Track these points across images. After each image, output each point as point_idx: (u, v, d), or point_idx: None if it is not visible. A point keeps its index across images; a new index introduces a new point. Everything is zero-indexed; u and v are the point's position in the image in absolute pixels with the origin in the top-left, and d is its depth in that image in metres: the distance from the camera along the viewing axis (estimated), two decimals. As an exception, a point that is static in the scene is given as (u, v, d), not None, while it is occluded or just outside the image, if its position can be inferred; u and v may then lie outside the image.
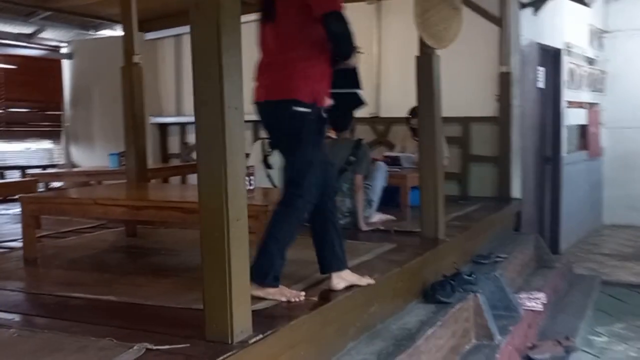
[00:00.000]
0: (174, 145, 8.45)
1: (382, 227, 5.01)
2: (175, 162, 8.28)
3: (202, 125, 2.29)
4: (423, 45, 4.46)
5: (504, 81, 6.58)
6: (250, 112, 7.88)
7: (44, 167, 8.24)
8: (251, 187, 3.73)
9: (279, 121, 2.96)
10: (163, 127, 8.45)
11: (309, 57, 2.91)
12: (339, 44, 2.89)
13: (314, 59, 2.92)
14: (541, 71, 7.42)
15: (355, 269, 3.40)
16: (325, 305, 2.91)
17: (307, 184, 2.95)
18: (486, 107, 6.65)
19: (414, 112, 5.67)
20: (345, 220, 5.08)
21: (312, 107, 2.94)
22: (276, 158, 5.26)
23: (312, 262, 3.31)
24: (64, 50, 8.35)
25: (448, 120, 6.40)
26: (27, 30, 8.01)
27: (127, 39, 5.41)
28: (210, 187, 2.27)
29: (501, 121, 6.60)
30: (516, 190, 6.62)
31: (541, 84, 7.47)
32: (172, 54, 8.35)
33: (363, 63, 7.19)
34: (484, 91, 6.64)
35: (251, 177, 3.76)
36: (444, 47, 4.49)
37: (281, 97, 2.90)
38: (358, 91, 3.11)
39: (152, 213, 3.54)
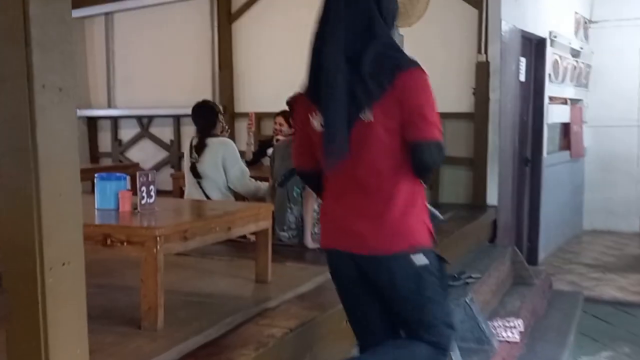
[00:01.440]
0: (105, 143, 7.55)
1: (332, 244, 4.22)
2: (107, 162, 7.40)
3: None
4: (381, 21, 3.67)
5: (482, 72, 5.89)
6: (172, 106, 6.95)
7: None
8: (151, 201, 2.90)
9: (394, 281, 2.09)
10: (92, 122, 7.55)
11: (415, 181, 2.10)
12: (425, 174, 2.10)
13: (418, 182, 2.12)
14: (523, 62, 6.71)
15: (291, 304, 2.65)
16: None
17: (448, 340, 2.19)
18: (461, 101, 5.97)
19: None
20: (289, 233, 4.30)
21: (432, 251, 2.13)
22: (206, 166, 4.45)
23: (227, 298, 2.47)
24: None
25: (416, 115, 5.70)
26: None
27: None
28: (12, 211, 1.45)
29: (477, 118, 5.92)
30: (492, 196, 5.92)
31: (522, 77, 6.77)
32: (102, 36, 7.45)
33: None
34: (459, 83, 5.94)
35: (150, 186, 2.92)
36: (409, 24, 3.76)
37: (396, 250, 2.04)
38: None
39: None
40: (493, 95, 5.88)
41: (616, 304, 5.97)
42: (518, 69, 6.47)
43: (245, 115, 6.63)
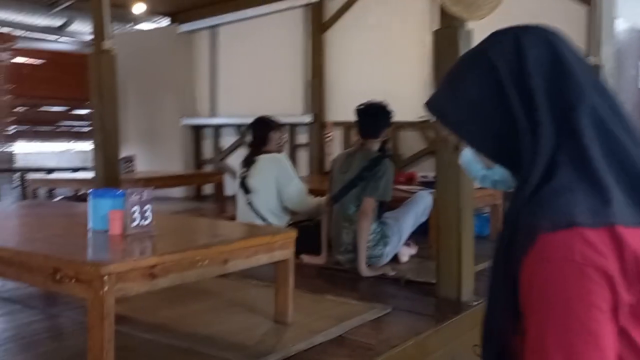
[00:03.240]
0: (208, 150, 7.15)
1: (391, 274, 3.38)
2: (208, 169, 7.00)
3: None
4: (445, 14, 2.84)
5: (593, 77, 4.69)
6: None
7: (74, 170, 7.20)
8: (145, 223, 2.27)
9: None
10: (197, 130, 7.18)
11: None
12: None
13: None
14: (645, 67, 5.42)
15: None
16: None
17: None
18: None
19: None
20: (346, 256, 3.52)
21: None
22: (256, 180, 3.80)
23: (222, 346, 1.78)
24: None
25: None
26: (55, 22, 7.04)
27: (97, 21, 4.14)
28: None
29: (585, 129, 4.73)
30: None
31: (644, 83, 5.48)
32: (207, 48, 7.07)
33: (413, 55, 5.71)
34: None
35: (145, 206, 2.29)
36: (479, 17, 2.84)
37: None
38: None
39: None
40: (605, 104, 4.69)
41: None
42: (638, 74, 5.21)
43: (336, 124, 5.96)
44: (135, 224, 2.29)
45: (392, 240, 3.56)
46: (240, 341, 2.28)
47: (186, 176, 6.02)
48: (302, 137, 6.33)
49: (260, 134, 3.96)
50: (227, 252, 2.17)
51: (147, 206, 2.33)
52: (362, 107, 3.67)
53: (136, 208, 2.30)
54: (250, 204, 3.80)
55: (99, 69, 4.14)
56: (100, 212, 2.36)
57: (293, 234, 2.52)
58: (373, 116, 3.63)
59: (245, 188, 3.83)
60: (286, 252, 2.44)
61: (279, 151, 3.98)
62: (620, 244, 0.79)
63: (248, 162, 3.88)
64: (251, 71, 6.62)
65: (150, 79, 7.02)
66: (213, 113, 7.02)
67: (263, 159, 3.83)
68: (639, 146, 0.90)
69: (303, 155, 6.22)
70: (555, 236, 0.80)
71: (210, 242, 2.17)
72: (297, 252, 3.74)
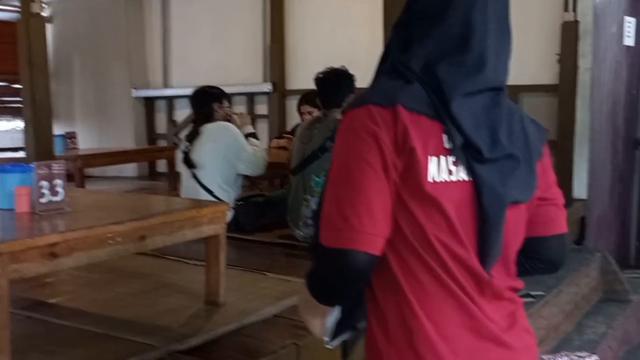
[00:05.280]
0: (162, 124, 7.07)
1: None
2: (163, 144, 6.93)
3: None
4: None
5: (569, 34, 4.74)
6: (224, 84, 6.29)
7: (16, 150, 7.08)
8: (56, 198, 2.24)
9: None
10: (149, 102, 7.08)
11: None
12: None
13: None
14: (631, 23, 5.41)
15: (219, 345, 2.04)
16: None
17: None
18: (542, 71, 4.87)
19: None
20: (305, 231, 3.53)
21: None
22: (202, 154, 3.76)
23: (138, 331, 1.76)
24: (44, 14, 7.18)
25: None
26: (-9, -13, 6.88)
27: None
28: None
29: (562, 91, 4.78)
30: (581, 188, 4.77)
31: (630, 41, 5.47)
32: (158, 14, 6.95)
33: (377, 18, 5.66)
34: (540, 48, 4.84)
35: (55, 180, 2.25)
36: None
37: None
38: None
39: None
40: (583, 63, 4.71)
41: None
42: (622, 31, 5.21)
43: (296, 92, 5.90)
44: (44, 200, 2.25)
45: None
46: (163, 324, 2.27)
47: (134, 152, 5.95)
48: (262, 108, 6.29)
49: (202, 106, 3.91)
50: (144, 229, 2.15)
51: (58, 181, 2.30)
52: (321, 75, 3.67)
53: (44, 183, 2.26)
54: (195, 178, 3.77)
55: (27, 35, 4.06)
56: (6, 188, 2.32)
57: (224, 207, 2.50)
58: (334, 84, 3.63)
59: (189, 163, 3.79)
60: (216, 227, 2.43)
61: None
62: (395, 119, 1.04)
63: (191, 136, 3.84)
64: (206, 37, 6.53)
65: (97, 49, 6.92)
66: (166, 83, 6.92)
67: (208, 130, 3.79)
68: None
69: (263, 127, 6.17)
70: (352, 112, 1.08)
71: (123, 218, 2.14)
72: (248, 228, 3.82)
